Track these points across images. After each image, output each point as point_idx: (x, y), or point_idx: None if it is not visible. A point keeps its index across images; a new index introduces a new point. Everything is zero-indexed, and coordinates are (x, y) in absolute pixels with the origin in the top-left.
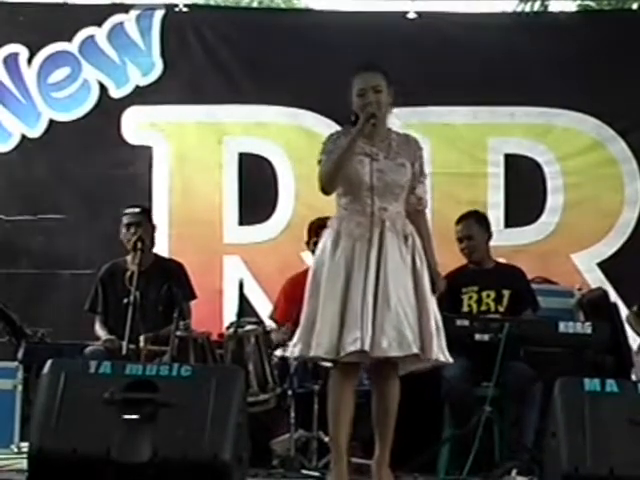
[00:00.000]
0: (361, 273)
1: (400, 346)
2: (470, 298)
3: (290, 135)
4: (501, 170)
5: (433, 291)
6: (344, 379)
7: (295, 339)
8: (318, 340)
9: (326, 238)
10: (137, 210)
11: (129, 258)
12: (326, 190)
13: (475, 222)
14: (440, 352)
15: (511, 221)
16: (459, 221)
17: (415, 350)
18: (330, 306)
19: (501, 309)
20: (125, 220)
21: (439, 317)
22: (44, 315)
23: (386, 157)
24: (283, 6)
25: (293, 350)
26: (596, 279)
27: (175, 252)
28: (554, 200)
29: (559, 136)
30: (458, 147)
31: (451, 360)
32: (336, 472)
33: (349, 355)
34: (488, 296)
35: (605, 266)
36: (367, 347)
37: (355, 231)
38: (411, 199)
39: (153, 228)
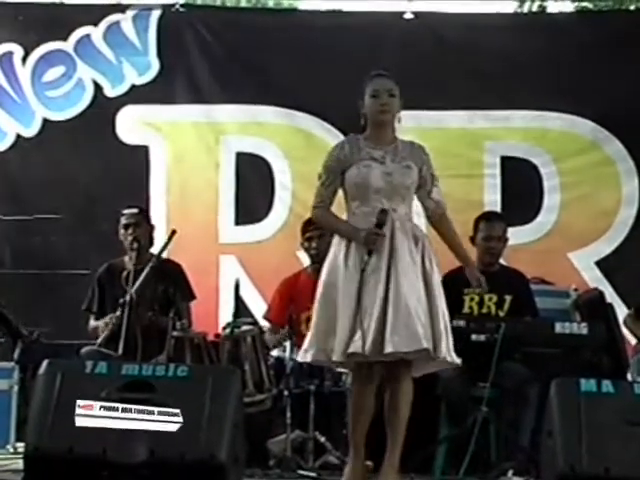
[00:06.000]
0: (373, 275)
1: (410, 342)
2: (472, 300)
3: (287, 134)
4: (497, 171)
5: (479, 286)
6: (358, 382)
7: (307, 344)
8: (334, 346)
9: (338, 243)
10: (135, 211)
11: (126, 258)
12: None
13: (505, 225)
14: (447, 352)
15: (508, 220)
16: (492, 219)
17: (425, 344)
18: (347, 311)
19: (502, 313)
20: (123, 221)
21: (447, 318)
22: (43, 315)
23: (392, 160)
24: (279, 6)
25: (305, 355)
26: (594, 278)
27: (172, 251)
28: (551, 199)
29: (555, 139)
30: (454, 150)
31: (458, 361)
32: (351, 467)
33: (351, 356)
34: (490, 299)
35: (603, 265)
36: (367, 349)
37: None
38: (429, 204)
39: (151, 229)
